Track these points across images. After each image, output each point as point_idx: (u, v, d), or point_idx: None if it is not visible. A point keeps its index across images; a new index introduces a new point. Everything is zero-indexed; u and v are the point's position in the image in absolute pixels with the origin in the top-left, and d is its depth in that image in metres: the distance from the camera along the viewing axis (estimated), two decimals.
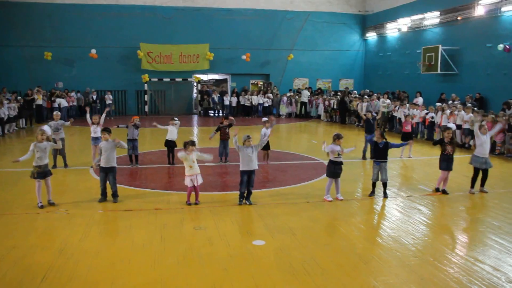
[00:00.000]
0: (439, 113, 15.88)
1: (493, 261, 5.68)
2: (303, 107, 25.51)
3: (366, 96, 21.74)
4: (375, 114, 13.57)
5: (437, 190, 9.11)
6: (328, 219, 7.53)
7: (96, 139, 10.82)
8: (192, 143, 8.01)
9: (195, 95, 27.34)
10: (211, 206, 7.97)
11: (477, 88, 18.30)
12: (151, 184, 9.62)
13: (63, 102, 22.44)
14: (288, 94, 26.23)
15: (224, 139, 11.79)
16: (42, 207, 7.75)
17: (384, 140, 8.70)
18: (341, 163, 8.39)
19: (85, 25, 24.51)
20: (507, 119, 13.42)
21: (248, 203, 8.09)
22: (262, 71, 27.62)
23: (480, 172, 9.05)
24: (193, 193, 8.10)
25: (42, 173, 7.76)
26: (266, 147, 11.57)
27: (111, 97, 24.57)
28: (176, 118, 11.80)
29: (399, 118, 17.59)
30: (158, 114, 25.35)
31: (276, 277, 5.19)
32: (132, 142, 11.19)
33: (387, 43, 26.04)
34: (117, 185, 8.35)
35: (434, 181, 9.42)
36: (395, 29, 24.80)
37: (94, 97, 24.21)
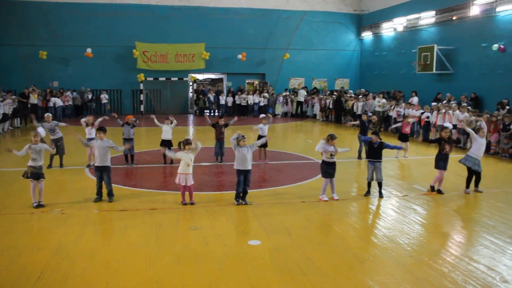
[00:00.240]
0: (435, 112, 15.94)
1: (488, 261, 5.71)
2: (299, 106, 25.55)
3: (361, 96, 21.79)
4: (370, 114, 13.60)
5: (432, 189, 9.14)
6: (324, 219, 7.54)
7: (91, 140, 10.76)
8: (187, 141, 8.00)
9: (190, 94, 27.30)
10: (206, 206, 7.97)
11: (472, 88, 18.38)
12: (146, 184, 9.61)
13: (58, 102, 22.35)
14: (284, 94, 26.24)
15: (220, 139, 11.79)
16: (37, 207, 7.72)
17: (379, 140, 8.73)
18: (334, 163, 8.41)
19: (80, 24, 24.42)
20: (501, 119, 13.49)
21: (243, 202, 8.09)
22: (258, 70, 27.63)
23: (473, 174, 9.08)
24: (187, 193, 8.09)
25: (35, 174, 7.71)
26: (263, 144, 11.57)
27: (106, 96, 24.51)
28: (171, 118, 11.77)
29: (395, 118, 17.67)
30: (153, 114, 25.18)
31: (272, 276, 5.19)
32: (128, 142, 11.15)
33: (382, 43, 26.10)
34: (113, 185, 8.33)
35: (429, 181, 9.43)
36: (390, 28, 24.87)
37: (90, 96, 24.11)
